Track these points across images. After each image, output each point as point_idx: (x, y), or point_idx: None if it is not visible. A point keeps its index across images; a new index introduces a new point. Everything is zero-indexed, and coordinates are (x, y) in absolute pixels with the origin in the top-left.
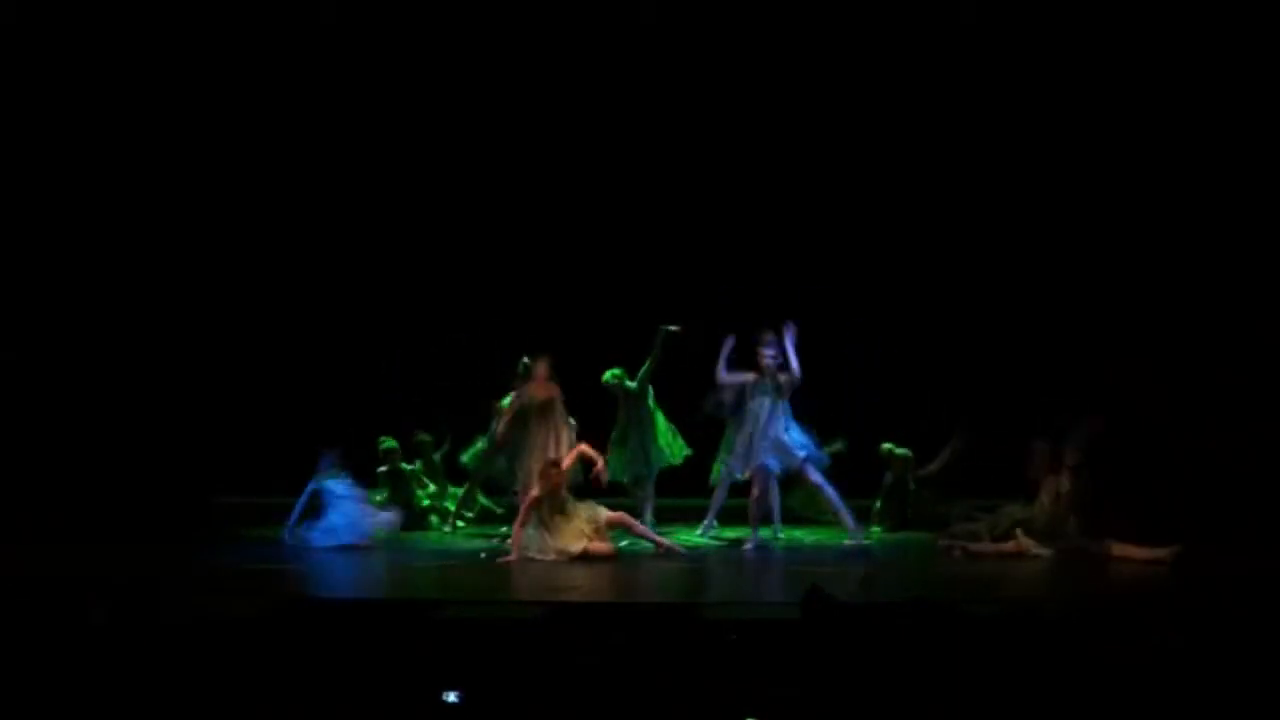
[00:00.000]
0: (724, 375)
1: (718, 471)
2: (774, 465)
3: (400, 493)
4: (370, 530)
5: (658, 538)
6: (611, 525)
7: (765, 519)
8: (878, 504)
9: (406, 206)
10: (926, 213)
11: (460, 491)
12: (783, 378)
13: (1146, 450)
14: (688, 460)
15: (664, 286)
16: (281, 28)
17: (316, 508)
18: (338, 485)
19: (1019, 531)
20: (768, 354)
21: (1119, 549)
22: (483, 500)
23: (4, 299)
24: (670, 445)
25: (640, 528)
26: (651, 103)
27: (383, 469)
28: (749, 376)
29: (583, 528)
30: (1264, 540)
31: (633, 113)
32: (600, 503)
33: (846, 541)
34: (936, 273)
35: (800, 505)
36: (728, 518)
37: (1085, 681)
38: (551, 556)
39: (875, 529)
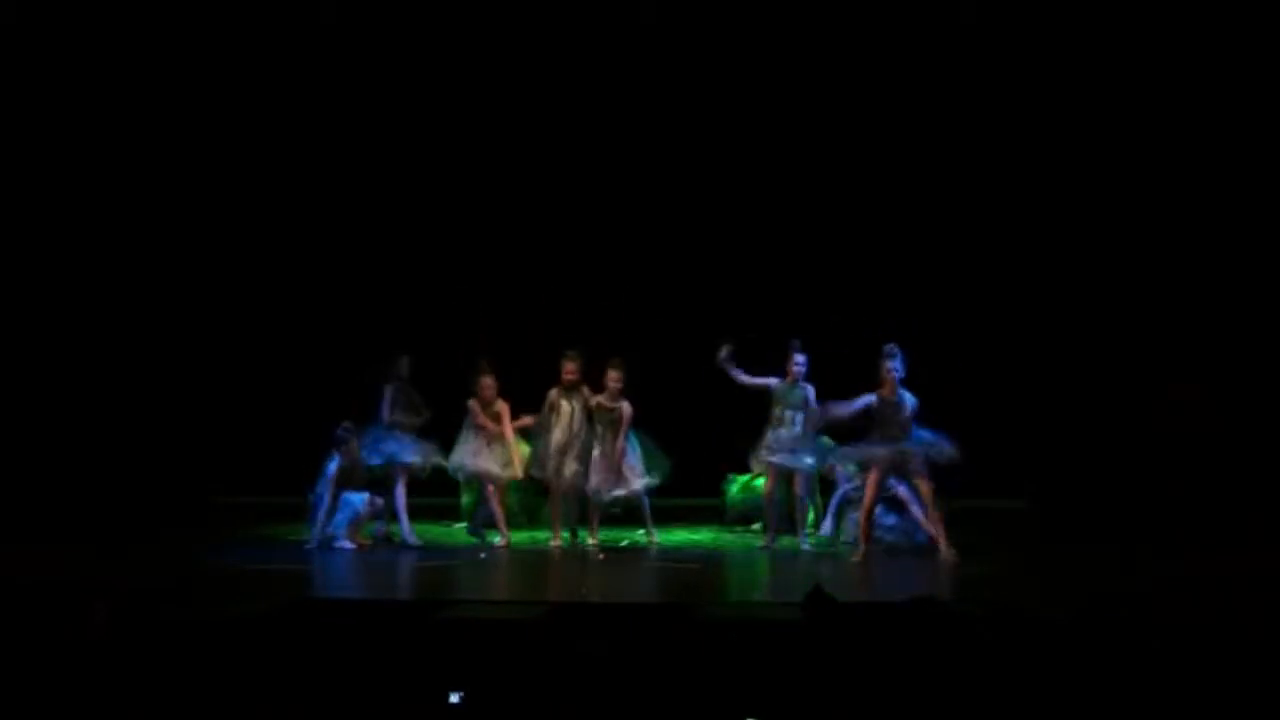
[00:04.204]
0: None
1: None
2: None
3: None
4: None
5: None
6: None
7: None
8: None
9: (403, 208)
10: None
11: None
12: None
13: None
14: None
15: (659, 291)
16: (282, 28)
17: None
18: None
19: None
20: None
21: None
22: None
23: (3, 299)
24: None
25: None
26: (651, 105)
27: None
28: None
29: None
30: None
31: (632, 115)
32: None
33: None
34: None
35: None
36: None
37: (1085, 682)
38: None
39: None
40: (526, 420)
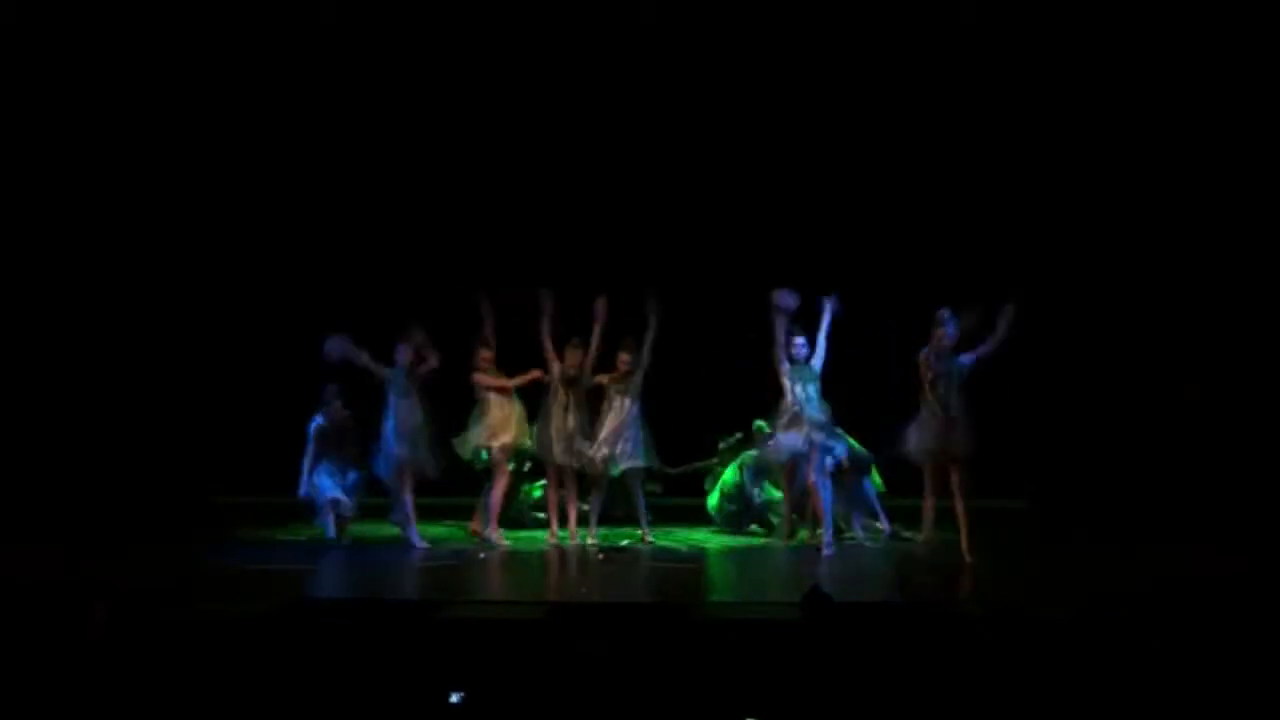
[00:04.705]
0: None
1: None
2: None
3: None
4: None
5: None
6: None
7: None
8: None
9: (402, 207)
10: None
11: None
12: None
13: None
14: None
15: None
16: (282, 28)
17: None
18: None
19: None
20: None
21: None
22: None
23: (3, 300)
24: None
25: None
26: (650, 106)
27: None
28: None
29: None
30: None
31: (632, 115)
32: None
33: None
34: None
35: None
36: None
37: (1085, 682)
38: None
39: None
40: (536, 373)
